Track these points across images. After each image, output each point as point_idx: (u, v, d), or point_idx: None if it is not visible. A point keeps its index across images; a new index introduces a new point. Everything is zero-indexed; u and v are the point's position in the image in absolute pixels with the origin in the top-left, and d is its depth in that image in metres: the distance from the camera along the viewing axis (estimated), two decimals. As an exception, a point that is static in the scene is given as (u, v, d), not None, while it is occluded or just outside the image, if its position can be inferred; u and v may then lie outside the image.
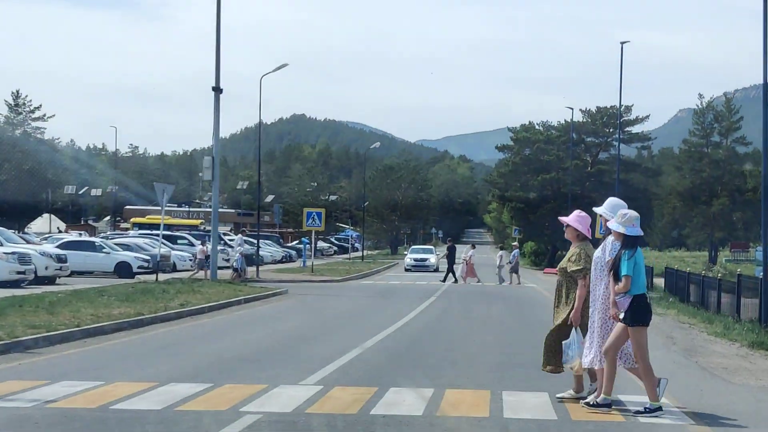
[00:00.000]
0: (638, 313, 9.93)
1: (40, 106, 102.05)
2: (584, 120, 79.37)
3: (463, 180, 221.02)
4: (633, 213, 10.07)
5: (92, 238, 48.01)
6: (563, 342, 10.80)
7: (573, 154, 76.49)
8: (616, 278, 9.93)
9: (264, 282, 41.81)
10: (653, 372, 10.14)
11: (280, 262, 70.93)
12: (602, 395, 10.18)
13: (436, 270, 56.94)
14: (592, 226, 11.65)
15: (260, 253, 68.28)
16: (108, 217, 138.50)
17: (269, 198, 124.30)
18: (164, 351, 15.43)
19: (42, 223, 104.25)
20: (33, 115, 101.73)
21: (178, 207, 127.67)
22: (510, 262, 48.19)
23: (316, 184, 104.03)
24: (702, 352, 16.88)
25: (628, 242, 9.96)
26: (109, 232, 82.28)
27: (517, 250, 50.79)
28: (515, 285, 45.28)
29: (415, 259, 60.22)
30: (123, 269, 42.98)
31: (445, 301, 30.72)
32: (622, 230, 9.99)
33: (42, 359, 14.12)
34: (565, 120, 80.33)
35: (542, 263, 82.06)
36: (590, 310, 10.56)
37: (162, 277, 39.59)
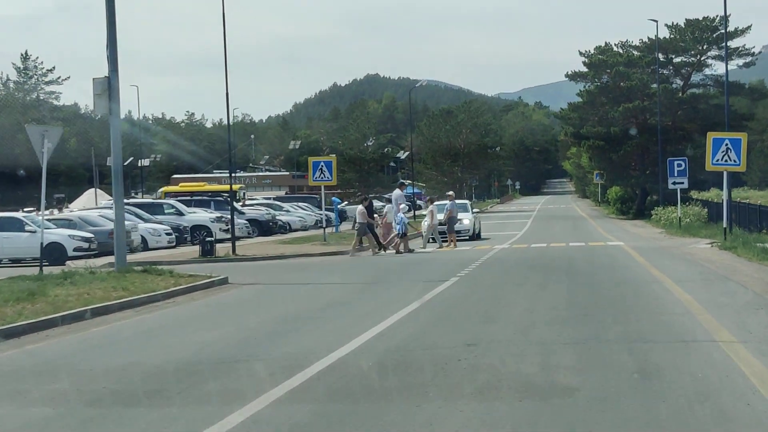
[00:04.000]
0: None
1: (53, 68, 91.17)
2: (671, 36, 65.52)
3: (539, 127, 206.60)
4: None
5: (17, 215, 36.35)
6: None
7: (660, 78, 62.86)
8: None
9: (236, 260, 30.03)
10: None
11: (314, 227, 59.16)
12: None
13: (475, 236, 40.60)
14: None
15: (285, 218, 56.73)
16: (162, 189, 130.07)
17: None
18: None
19: (87, 199, 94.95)
20: (45, 79, 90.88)
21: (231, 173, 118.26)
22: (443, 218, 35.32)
23: (373, 139, 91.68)
24: None
25: None
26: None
27: (453, 201, 36.82)
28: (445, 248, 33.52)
29: (439, 222, 38.40)
30: (54, 253, 31.46)
31: (469, 284, 18.32)
32: None
33: None
34: (648, 37, 66.64)
35: (630, 211, 68.61)
36: None
37: (103, 261, 27.71)
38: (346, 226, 63.43)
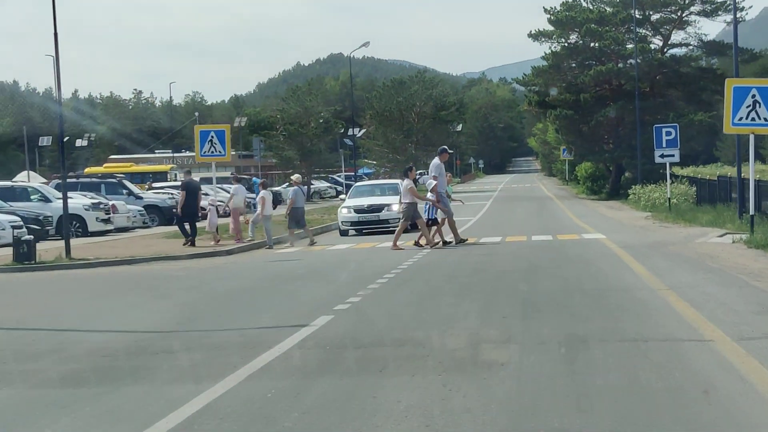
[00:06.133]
0: None
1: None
2: (649, -11, 56.97)
3: (503, 103, 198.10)
4: None
5: None
6: None
7: (637, 37, 54.21)
8: None
9: (64, 267, 21.38)
10: None
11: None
12: None
13: (411, 226, 30.55)
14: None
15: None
16: (85, 170, 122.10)
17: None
18: None
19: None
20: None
21: (173, 153, 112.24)
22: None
23: (326, 112, 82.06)
24: None
25: None
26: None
27: (297, 187, 27.26)
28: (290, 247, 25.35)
29: (359, 209, 30.49)
30: None
31: (334, 343, 9.46)
32: None
33: None
34: (622, -10, 57.98)
35: (602, 190, 60.14)
36: None
37: None
38: (282, 210, 53.78)
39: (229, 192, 31.89)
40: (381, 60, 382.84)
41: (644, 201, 42.12)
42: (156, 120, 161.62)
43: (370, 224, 30.04)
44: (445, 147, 25.17)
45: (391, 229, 30.16)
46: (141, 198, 42.64)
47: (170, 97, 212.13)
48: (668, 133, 34.81)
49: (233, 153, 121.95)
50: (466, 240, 23.41)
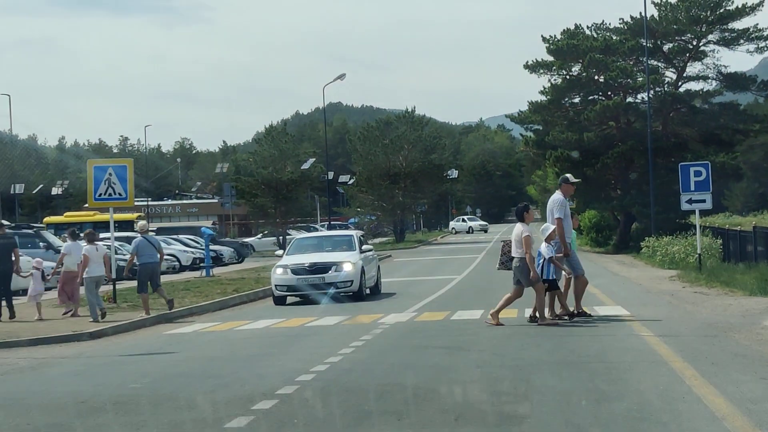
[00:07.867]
0: None
1: None
2: (660, 15, 50.29)
3: (501, 150, 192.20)
4: None
5: None
6: None
7: (648, 68, 47.42)
8: None
9: None
10: None
11: (193, 268, 43.47)
12: None
13: (368, 291, 24.28)
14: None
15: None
16: (45, 219, 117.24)
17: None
18: None
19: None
20: None
21: (157, 201, 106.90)
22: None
23: (310, 160, 75.29)
24: None
25: None
26: None
27: (141, 238, 20.60)
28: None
29: (298, 270, 23.09)
30: None
31: None
32: None
33: None
34: (631, 16, 51.36)
35: (609, 242, 53.03)
36: None
37: None
38: (247, 265, 47.34)
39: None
40: (380, 109, 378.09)
41: (660, 256, 35.55)
42: (139, 167, 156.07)
43: (312, 289, 22.80)
44: (568, 176, 16.68)
45: (342, 291, 23.01)
46: (58, 252, 35.81)
47: (145, 140, 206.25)
48: (698, 174, 27.82)
49: (215, 200, 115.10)
50: (590, 315, 15.95)
